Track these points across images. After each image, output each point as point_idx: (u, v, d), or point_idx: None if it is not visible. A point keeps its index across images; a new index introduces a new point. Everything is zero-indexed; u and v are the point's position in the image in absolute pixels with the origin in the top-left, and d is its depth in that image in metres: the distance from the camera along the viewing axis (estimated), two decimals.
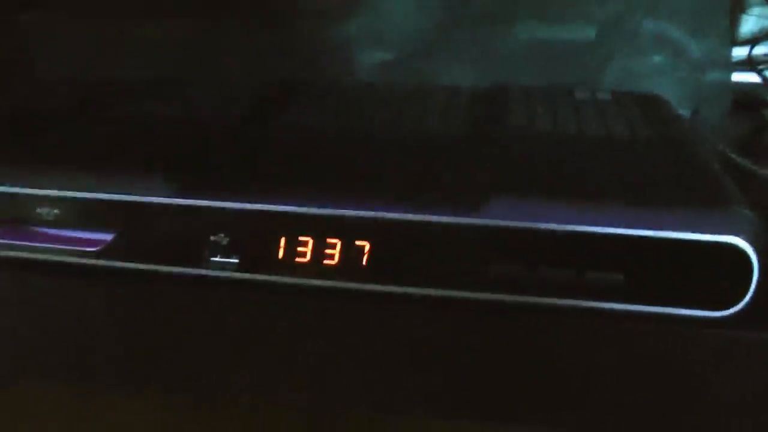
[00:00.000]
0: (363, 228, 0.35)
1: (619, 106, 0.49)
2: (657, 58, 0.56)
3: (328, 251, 0.36)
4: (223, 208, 0.36)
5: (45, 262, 0.38)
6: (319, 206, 0.35)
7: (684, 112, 0.52)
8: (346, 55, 0.61)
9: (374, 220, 0.35)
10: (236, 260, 0.37)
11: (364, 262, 0.36)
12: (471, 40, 0.59)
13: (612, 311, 0.34)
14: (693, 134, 0.45)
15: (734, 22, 0.60)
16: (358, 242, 0.36)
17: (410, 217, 0.35)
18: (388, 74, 0.60)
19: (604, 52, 0.57)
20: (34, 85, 0.57)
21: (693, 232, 0.33)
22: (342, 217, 0.35)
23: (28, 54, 0.63)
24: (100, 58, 0.62)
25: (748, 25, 0.60)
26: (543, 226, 0.34)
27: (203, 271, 0.37)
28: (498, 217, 0.34)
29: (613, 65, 0.57)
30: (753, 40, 0.60)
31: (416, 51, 0.60)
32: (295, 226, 0.36)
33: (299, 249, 0.36)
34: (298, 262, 0.36)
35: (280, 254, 0.36)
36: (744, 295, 0.33)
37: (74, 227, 0.38)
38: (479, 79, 0.57)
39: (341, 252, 0.36)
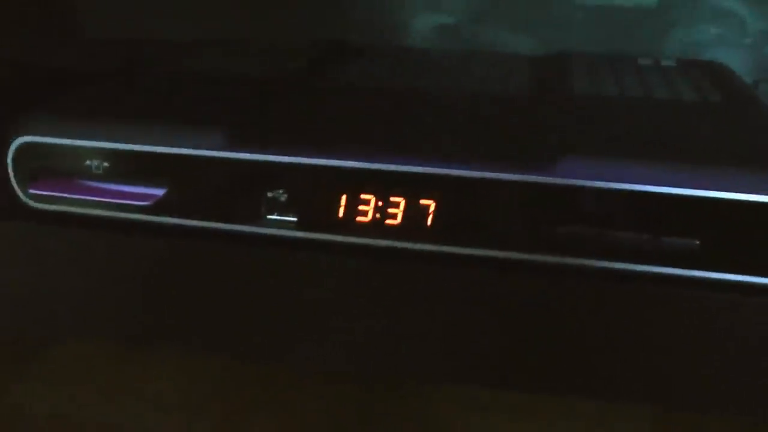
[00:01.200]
0: (428, 186, 0.34)
1: (684, 72, 0.47)
2: (717, 28, 0.55)
3: (390, 210, 0.34)
4: (281, 163, 0.35)
5: (93, 217, 0.37)
6: (383, 162, 0.34)
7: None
8: (404, 19, 0.60)
9: (440, 177, 0.33)
10: (294, 218, 0.35)
11: (428, 222, 0.34)
12: (531, 6, 0.58)
13: (685, 278, 0.33)
14: (762, 100, 0.43)
15: None
16: (422, 201, 0.34)
17: (479, 174, 0.33)
18: (446, 39, 0.59)
19: (665, 21, 0.55)
20: (87, 43, 0.56)
21: None
22: (406, 174, 0.34)
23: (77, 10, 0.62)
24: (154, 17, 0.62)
25: None
26: (616, 186, 0.32)
27: (259, 229, 0.36)
28: (570, 177, 0.33)
29: (675, 34, 0.56)
30: None
31: (475, 16, 0.59)
32: (357, 183, 0.34)
33: (360, 207, 0.35)
34: (359, 221, 0.35)
35: (341, 213, 0.35)
36: None
37: (125, 181, 0.36)
38: (539, 47, 0.56)
39: (405, 211, 0.34)
